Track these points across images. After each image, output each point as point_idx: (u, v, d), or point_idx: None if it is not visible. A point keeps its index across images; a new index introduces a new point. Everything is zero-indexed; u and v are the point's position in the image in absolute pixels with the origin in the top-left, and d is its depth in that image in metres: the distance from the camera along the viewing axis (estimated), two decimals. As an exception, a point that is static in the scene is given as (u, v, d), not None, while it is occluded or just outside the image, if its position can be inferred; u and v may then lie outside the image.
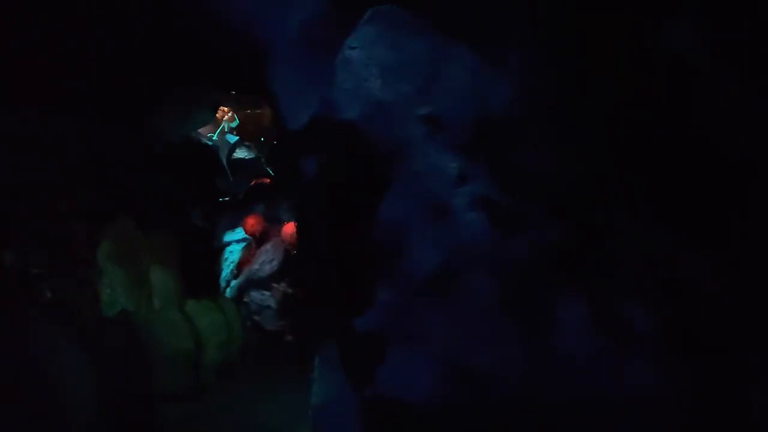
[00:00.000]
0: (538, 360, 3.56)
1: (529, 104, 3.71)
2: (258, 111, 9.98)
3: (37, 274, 5.53)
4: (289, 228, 8.04)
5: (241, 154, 10.01)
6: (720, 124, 3.58)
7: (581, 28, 3.71)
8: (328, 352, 4.55)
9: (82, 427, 5.20)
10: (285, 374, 6.90)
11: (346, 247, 4.22)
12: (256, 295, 8.08)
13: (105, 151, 6.22)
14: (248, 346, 7.80)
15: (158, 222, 7.20)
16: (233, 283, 8.34)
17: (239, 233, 8.74)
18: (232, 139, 10.00)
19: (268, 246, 8.26)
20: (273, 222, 8.59)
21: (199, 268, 8.10)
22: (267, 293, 8.04)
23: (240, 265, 8.42)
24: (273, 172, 9.82)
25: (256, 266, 8.17)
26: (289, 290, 7.90)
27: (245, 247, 8.62)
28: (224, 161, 9.78)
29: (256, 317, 8.07)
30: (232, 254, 8.65)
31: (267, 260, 8.12)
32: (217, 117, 9.70)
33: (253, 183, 9.67)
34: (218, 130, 9.87)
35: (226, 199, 9.43)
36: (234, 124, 10.03)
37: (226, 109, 9.88)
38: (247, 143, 10.04)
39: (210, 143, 9.74)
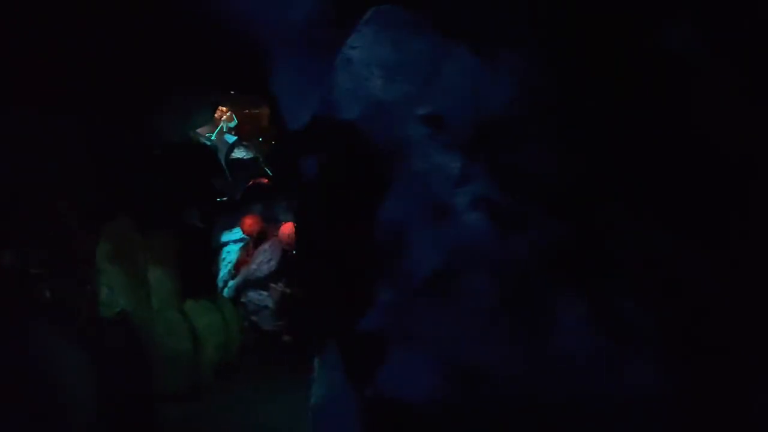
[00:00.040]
0: (538, 360, 3.56)
1: (529, 104, 3.71)
2: (256, 111, 9.99)
3: (36, 274, 5.53)
4: (287, 228, 8.06)
5: (239, 154, 10.03)
6: (720, 124, 3.58)
7: (581, 28, 3.71)
8: (328, 353, 4.55)
9: (82, 426, 5.20)
10: (283, 374, 6.93)
11: (346, 247, 4.22)
12: (253, 296, 8.12)
13: (105, 151, 6.23)
14: (246, 346, 7.82)
15: (156, 222, 7.21)
16: (231, 283, 8.36)
17: (237, 233, 8.76)
18: (231, 139, 10.01)
19: (265, 246, 8.29)
20: (270, 222, 8.60)
21: (197, 268, 8.11)
22: (264, 293, 8.07)
23: (237, 266, 8.45)
24: (271, 171, 9.84)
25: (253, 266, 8.19)
26: (287, 290, 7.91)
27: (242, 248, 8.64)
28: (223, 161, 9.79)
29: (253, 317, 8.10)
30: (230, 254, 8.68)
31: (265, 260, 8.14)
32: (215, 117, 9.71)
33: (250, 183, 9.68)
34: (216, 130, 9.87)
35: (224, 199, 9.44)
36: (232, 124, 10.04)
37: (224, 109, 9.89)
38: (245, 143, 10.05)
39: (208, 143, 9.74)
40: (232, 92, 8.43)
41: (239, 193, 9.56)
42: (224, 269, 8.62)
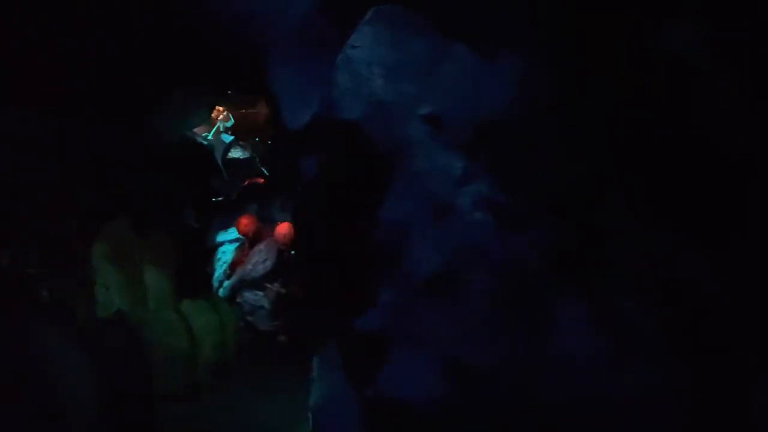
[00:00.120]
0: (538, 360, 3.56)
1: (529, 104, 3.71)
2: (253, 110, 9.97)
3: (34, 274, 5.52)
4: (283, 228, 8.02)
5: (235, 153, 9.99)
6: (720, 124, 3.58)
7: (581, 28, 3.71)
8: (328, 353, 4.55)
9: (81, 426, 5.19)
10: (280, 374, 6.91)
11: (346, 247, 4.23)
12: (249, 296, 8.07)
13: (104, 152, 6.22)
14: (242, 346, 7.80)
15: (153, 222, 7.20)
16: (226, 283, 8.32)
17: (232, 233, 8.71)
18: (227, 138, 9.98)
19: (261, 246, 8.24)
20: (266, 222, 8.57)
21: (194, 268, 8.10)
22: (260, 293, 8.02)
23: (233, 266, 8.40)
24: (267, 171, 9.81)
25: (249, 266, 8.14)
26: (283, 290, 7.88)
27: (238, 248, 8.59)
28: (219, 161, 9.77)
29: (249, 317, 8.05)
30: (225, 254, 8.63)
31: (260, 260, 8.10)
32: (212, 116, 9.69)
33: (246, 183, 9.66)
34: (213, 130, 9.85)
35: (219, 198, 9.42)
36: (229, 124, 10.02)
37: (221, 108, 9.87)
38: (241, 143, 10.02)
39: (205, 143, 9.72)
40: (229, 92, 8.42)
41: (235, 193, 9.52)
42: (219, 269, 8.56)
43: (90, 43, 5.29)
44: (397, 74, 3.92)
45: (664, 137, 3.60)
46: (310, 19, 4.55)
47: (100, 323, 6.24)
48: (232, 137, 9.97)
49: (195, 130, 9.30)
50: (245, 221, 8.44)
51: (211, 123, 9.82)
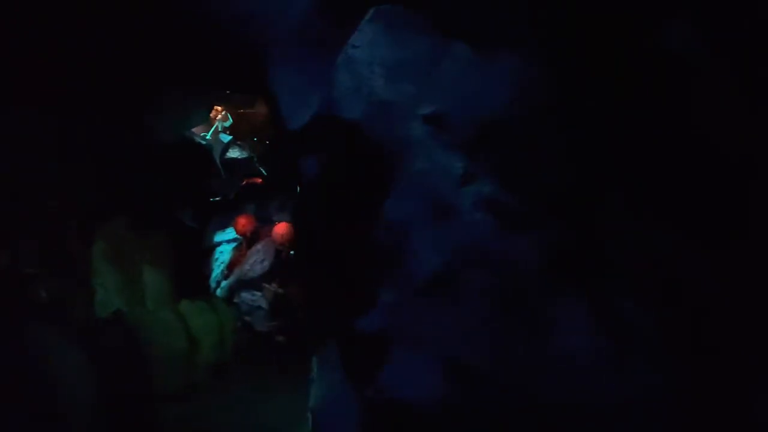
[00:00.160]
0: (538, 360, 3.56)
1: (529, 104, 3.71)
2: (251, 110, 9.98)
3: (33, 274, 5.53)
4: (280, 228, 8.03)
5: (233, 153, 10.00)
6: (720, 124, 3.58)
7: (581, 28, 3.71)
8: (327, 353, 4.55)
9: (80, 426, 5.20)
10: (277, 374, 6.92)
11: (346, 248, 4.22)
12: (246, 296, 8.07)
13: (104, 152, 6.22)
14: (239, 346, 7.81)
15: (152, 222, 7.21)
16: (224, 283, 8.32)
17: (230, 233, 8.71)
18: (226, 138, 9.98)
19: (258, 246, 8.24)
20: (264, 222, 8.57)
21: (192, 268, 8.11)
22: (258, 294, 8.03)
23: (230, 266, 8.40)
24: (265, 171, 9.82)
25: (247, 267, 8.15)
26: (280, 290, 7.89)
27: (236, 248, 8.59)
28: (218, 161, 9.77)
29: (246, 318, 8.06)
30: (223, 254, 8.63)
31: (258, 261, 8.10)
32: (210, 116, 9.70)
33: (244, 183, 9.65)
34: (212, 130, 9.85)
35: (217, 198, 9.42)
36: (227, 124, 10.02)
37: (219, 108, 9.87)
38: (239, 143, 10.03)
39: (203, 142, 9.72)
40: (228, 92, 8.42)
41: (233, 193, 9.52)
42: (217, 269, 8.57)
43: (90, 43, 5.29)
44: (398, 74, 3.92)
45: (664, 137, 3.60)
46: (310, 19, 4.54)
47: (98, 323, 6.24)
48: (231, 137, 9.97)
49: (193, 129, 9.31)
50: (243, 221, 8.44)
51: (210, 123, 9.82)
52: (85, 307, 6.16)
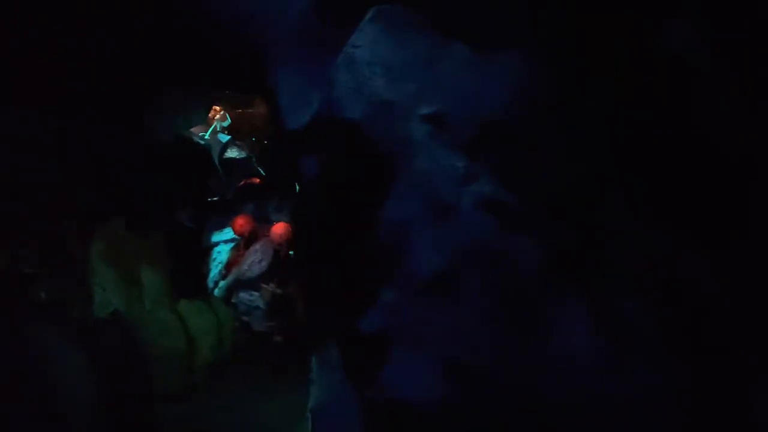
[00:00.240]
0: (538, 360, 3.56)
1: (529, 104, 3.71)
2: (249, 110, 9.97)
3: (33, 274, 5.52)
4: (278, 228, 8.00)
5: (232, 153, 9.98)
6: (720, 124, 3.58)
7: (581, 28, 3.71)
8: (327, 353, 4.54)
9: (79, 426, 5.19)
10: (276, 374, 6.90)
11: (346, 247, 4.22)
12: (244, 296, 8.04)
13: (104, 152, 6.22)
14: (237, 346, 7.80)
15: (150, 222, 7.20)
16: (221, 283, 8.30)
17: (227, 233, 8.69)
18: (224, 138, 9.97)
19: (257, 246, 8.20)
20: (262, 222, 8.55)
21: (191, 268, 8.09)
22: (256, 294, 7.99)
23: (228, 266, 8.37)
24: (263, 171, 9.81)
25: (244, 267, 8.11)
26: (278, 291, 7.87)
27: (233, 248, 8.57)
28: (216, 160, 9.76)
29: (244, 318, 8.04)
30: (220, 254, 8.61)
31: (256, 261, 8.06)
32: (209, 116, 9.70)
33: (242, 183, 9.64)
34: (210, 129, 9.84)
35: (215, 198, 9.40)
36: (226, 123, 10.01)
37: (217, 108, 9.87)
38: (238, 142, 10.01)
39: (202, 142, 9.71)
40: (228, 91, 8.42)
41: (231, 193, 9.50)
42: (215, 269, 8.53)
43: (90, 43, 5.28)
44: (399, 74, 3.92)
45: (664, 137, 3.60)
46: (309, 19, 4.54)
47: (97, 323, 6.24)
48: (229, 137, 9.96)
49: (192, 129, 9.31)
50: (241, 221, 8.41)
51: (208, 122, 9.82)
52: (84, 308, 6.16)
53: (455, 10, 3.93)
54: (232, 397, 6.80)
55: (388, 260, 3.88)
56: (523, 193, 3.67)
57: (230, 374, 7.40)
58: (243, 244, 8.34)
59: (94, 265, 6.47)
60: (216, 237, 8.78)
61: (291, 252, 7.83)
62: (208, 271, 8.49)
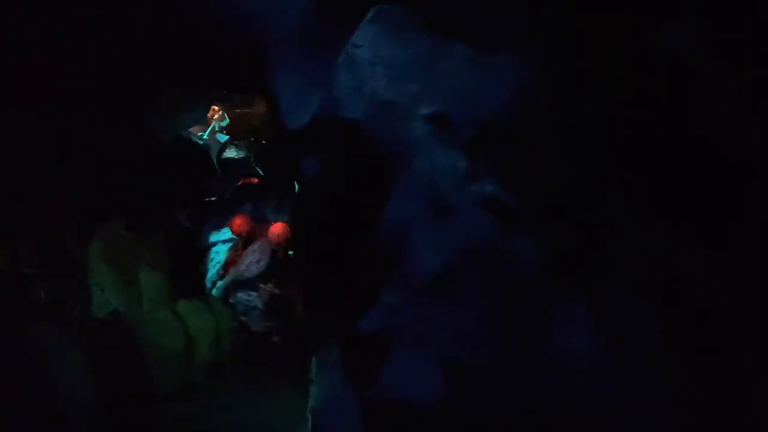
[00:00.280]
0: (538, 360, 3.56)
1: (530, 104, 3.71)
2: (248, 110, 9.97)
3: (32, 274, 5.52)
4: (277, 228, 7.98)
5: (230, 153, 9.97)
6: (720, 124, 3.59)
7: (581, 28, 3.72)
8: (327, 353, 4.54)
9: (79, 426, 5.19)
10: (274, 374, 6.90)
11: (346, 248, 4.22)
12: (242, 296, 8.01)
13: (104, 152, 6.21)
14: (235, 346, 7.80)
15: (148, 222, 7.20)
16: (219, 283, 8.28)
17: (225, 233, 8.67)
18: (222, 138, 9.96)
19: (255, 246, 8.17)
20: (260, 222, 8.53)
21: (189, 268, 8.09)
22: (254, 294, 7.97)
23: (226, 266, 8.35)
24: (262, 171, 9.80)
25: (242, 267, 8.08)
26: (276, 291, 7.85)
27: (231, 248, 8.55)
28: (214, 160, 9.75)
29: (242, 318, 8.03)
30: (218, 254, 8.59)
31: (254, 261, 8.03)
32: (207, 116, 9.70)
33: (240, 183, 9.62)
34: (209, 129, 9.84)
35: (213, 198, 9.39)
36: (224, 123, 10.00)
37: (216, 108, 9.86)
38: (236, 142, 10.00)
39: (200, 142, 9.71)
40: (228, 92, 8.42)
41: (229, 193, 9.49)
42: (212, 269, 8.51)
43: (90, 43, 5.28)
44: (400, 73, 3.92)
45: (664, 137, 3.60)
46: (309, 19, 4.54)
47: (96, 323, 6.23)
48: (228, 137, 9.95)
49: (191, 129, 9.31)
50: (239, 221, 8.38)
51: (207, 122, 9.82)
52: (85, 307, 6.16)
53: (455, 10, 3.93)
54: (232, 397, 6.80)
55: (388, 260, 3.88)
56: (523, 193, 3.67)
57: (230, 374, 7.39)
58: (241, 244, 8.33)
59: (92, 265, 6.47)
60: (214, 237, 8.76)
61: (289, 252, 7.83)
62: (206, 271, 8.48)
